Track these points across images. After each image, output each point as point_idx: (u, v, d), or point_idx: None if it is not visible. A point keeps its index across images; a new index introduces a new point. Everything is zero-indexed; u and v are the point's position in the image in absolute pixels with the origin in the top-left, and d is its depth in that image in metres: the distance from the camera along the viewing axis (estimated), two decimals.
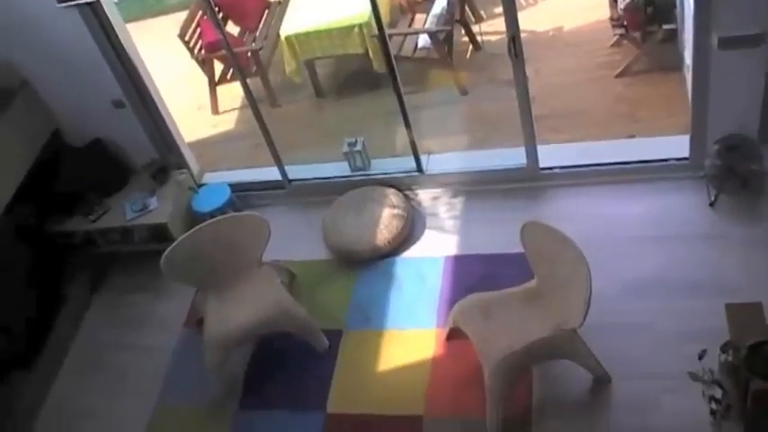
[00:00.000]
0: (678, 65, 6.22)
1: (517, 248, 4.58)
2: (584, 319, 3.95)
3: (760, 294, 3.43)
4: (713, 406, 3.14)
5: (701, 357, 3.16)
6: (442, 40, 7.07)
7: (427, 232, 5.79)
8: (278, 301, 5.05)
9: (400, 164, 6.13)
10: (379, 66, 6.92)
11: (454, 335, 4.92)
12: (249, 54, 7.48)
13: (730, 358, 3.08)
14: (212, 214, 5.80)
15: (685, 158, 5.40)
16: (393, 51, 5.90)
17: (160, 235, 5.93)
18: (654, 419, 4.32)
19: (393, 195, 5.91)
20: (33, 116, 5.92)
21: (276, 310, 5.02)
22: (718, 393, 3.12)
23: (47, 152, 5.97)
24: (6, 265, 5.62)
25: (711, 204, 5.21)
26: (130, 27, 5.88)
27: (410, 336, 5.16)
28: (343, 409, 4.91)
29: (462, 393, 4.74)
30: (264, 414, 5.03)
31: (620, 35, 6.68)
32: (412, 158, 5.99)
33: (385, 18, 6.68)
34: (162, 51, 7.69)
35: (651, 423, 4.31)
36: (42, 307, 5.84)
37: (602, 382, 4.56)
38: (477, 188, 5.91)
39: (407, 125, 5.84)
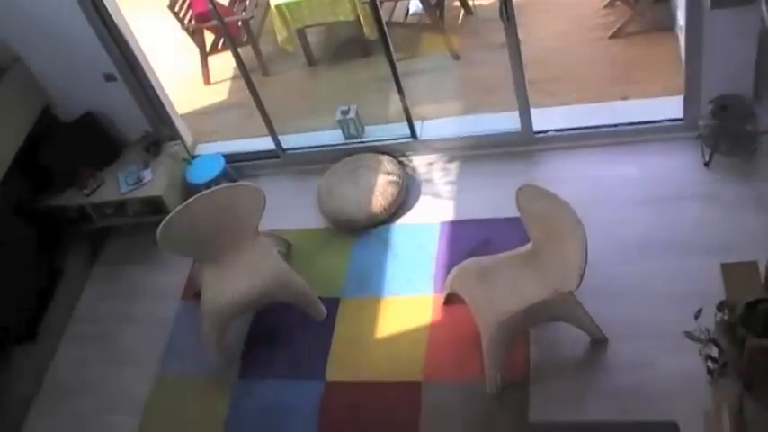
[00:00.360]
0: (671, 25, 6.20)
1: (513, 212, 4.58)
2: (581, 282, 3.96)
3: (755, 253, 3.44)
4: (709, 364, 3.15)
5: (696, 317, 3.16)
6: (434, 4, 7.03)
7: (422, 198, 5.79)
8: (275, 271, 5.05)
9: (394, 130, 6.12)
10: (370, 32, 6.87)
11: (451, 300, 4.94)
12: (239, 23, 7.43)
13: (726, 317, 3.08)
14: (207, 185, 5.80)
15: (679, 119, 5.38)
16: (384, 17, 5.86)
17: (155, 207, 5.93)
18: (651, 379, 4.36)
19: (387, 162, 5.90)
20: (25, 92, 5.89)
21: (273, 280, 5.02)
22: (714, 352, 3.13)
23: (39, 127, 5.94)
24: (3, 241, 5.60)
25: (706, 164, 5.21)
26: None
27: (408, 302, 5.17)
28: (341, 377, 4.94)
29: (461, 358, 4.77)
30: (264, 383, 5.06)
31: None
32: (406, 125, 5.97)
33: None
34: (152, 23, 7.63)
35: (648, 383, 4.35)
36: (40, 281, 5.84)
37: (599, 343, 4.59)
38: (472, 153, 5.90)
39: (400, 91, 5.82)
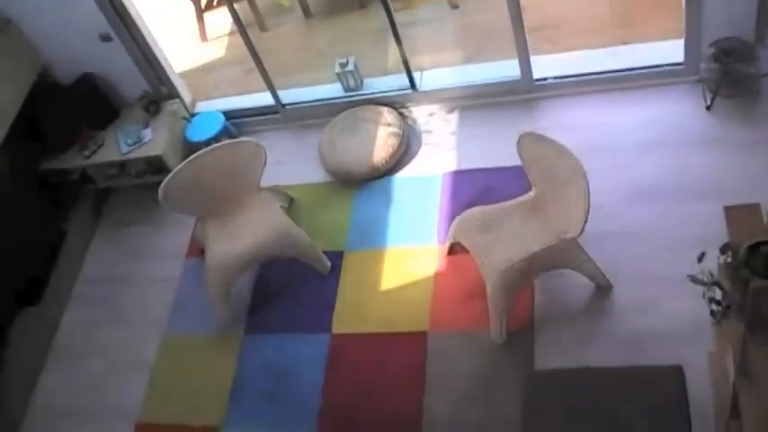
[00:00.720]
0: None
1: (514, 161, 4.58)
2: (584, 228, 3.97)
3: (758, 195, 3.43)
4: (713, 307, 3.16)
5: (700, 260, 3.16)
6: None
7: (424, 149, 5.77)
8: (278, 226, 5.06)
9: (393, 82, 6.08)
10: None
11: (455, 250, 4.96)
12: None
13: (729, 259, 3.09)
14: (207, 143, 5.79)
15: (680, 63, 5.34)
16: None
17: (157, 167, 5.92)
18: (656, 323, 4.38)
19: (388, 114, 5.88)
20: (20, 55, 5.82)
21: (277, 234, 5.03)
22: (718, 295, 3.13)
23: (37, 90, 5.90)
24: (6, 202, 5.60)
25: (708, 108, 5.18)
26: None
27: (412, 253, 5.19)
28: (347, 330, 4.97)
29: (466, 307, 4.79)
30: (271, 338, 5.09)
31: None
32: (405, 76, 5.93)
33: None
34: None
35: (653, 327, 4.38)
36: (47, 243, 5.86)
37: (603, 289, 4.61)
38: (472, 102, 5.87)
39: (398, 42, 5.77)
